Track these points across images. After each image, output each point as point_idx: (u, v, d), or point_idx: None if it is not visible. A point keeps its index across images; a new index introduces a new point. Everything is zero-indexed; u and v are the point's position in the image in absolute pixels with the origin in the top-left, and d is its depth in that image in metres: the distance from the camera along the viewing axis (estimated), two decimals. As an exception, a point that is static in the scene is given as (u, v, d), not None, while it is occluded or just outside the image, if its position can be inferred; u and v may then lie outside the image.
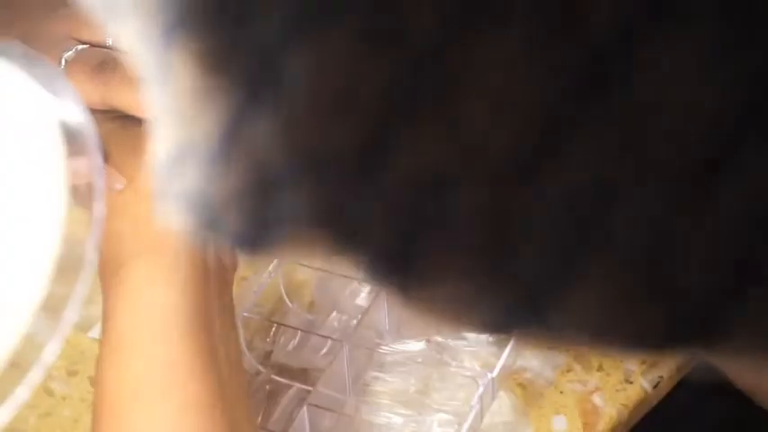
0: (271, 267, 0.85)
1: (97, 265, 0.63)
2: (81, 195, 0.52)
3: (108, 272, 0.65)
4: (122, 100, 0.66)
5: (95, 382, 0.65)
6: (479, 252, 0.27)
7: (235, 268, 0.70)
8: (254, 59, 0.26)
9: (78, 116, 0.53)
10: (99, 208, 0.51)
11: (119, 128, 0.67)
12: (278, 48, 0.26)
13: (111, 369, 0.64)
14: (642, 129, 0.25)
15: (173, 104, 0.28)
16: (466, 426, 0.76)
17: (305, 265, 0.86)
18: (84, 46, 0.69)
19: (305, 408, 0.77)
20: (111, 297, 0.65)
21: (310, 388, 0.78)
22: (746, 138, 0.25)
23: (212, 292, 0.66)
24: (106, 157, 0.65)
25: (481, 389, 0.77)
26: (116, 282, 0.64)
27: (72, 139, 0.52)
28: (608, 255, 0.26)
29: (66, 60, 0.68)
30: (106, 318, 0.65)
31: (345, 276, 0.86)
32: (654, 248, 0.26)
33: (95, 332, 0.85)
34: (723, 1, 0.24)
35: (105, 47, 0.69)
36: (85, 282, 0.50)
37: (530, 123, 0.26)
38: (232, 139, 0.27)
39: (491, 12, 0.25)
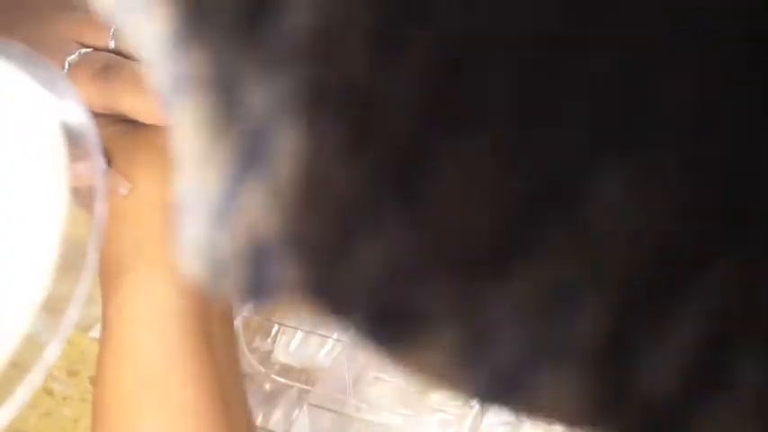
0: (271, 268, 0.85)
1: (97, 269, 0.63)
2: (82, 197, 0.52)
3: (108, 276, 0.65)
4: (125, 104, 0.66)
5: (95, 385, 0.65)
6: (456, 338, 0.28)
7: None
8: (249, 129, 0.27)
9: (80, 118, 0.53)
10: (100, 209, 0.51)
11: (121, 132, 0.67)
12: (271, 123, 0.27)
13: (110, 372, 0.64)
14: (598, 247, 0.26)
15: (183, 148, 0.28)
16: (465, 426, 0.76)
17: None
18: (88, 50, 0.69)
19: (305, 407, 0.77)
20: (111, 301, 0.65)
21: (310, 388, 0.78)
22: (714, 259, 0.26)
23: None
24: (109, 162, 0.65)
25: (481, 389, 0.77)
26: (116, 285, 0.64)
27: (73, 140, 0.52)
28: (572, 353, 0.28)
29: (69, 64, 0.68)
30: (105, 322, 0.65)
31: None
32: (614, 354, 0.27)
33: (95, 332, 0.85)
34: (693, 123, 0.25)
35: (109, 50, 0.69)
36: (86, 282, 0.50)
37: (498, 221, 0.27)
38: (230, 201, 0.28)
39: (464, 115, 0.26)
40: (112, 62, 0.67)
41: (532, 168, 0.26)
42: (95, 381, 0.65)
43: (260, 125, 0.27)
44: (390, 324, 0.28)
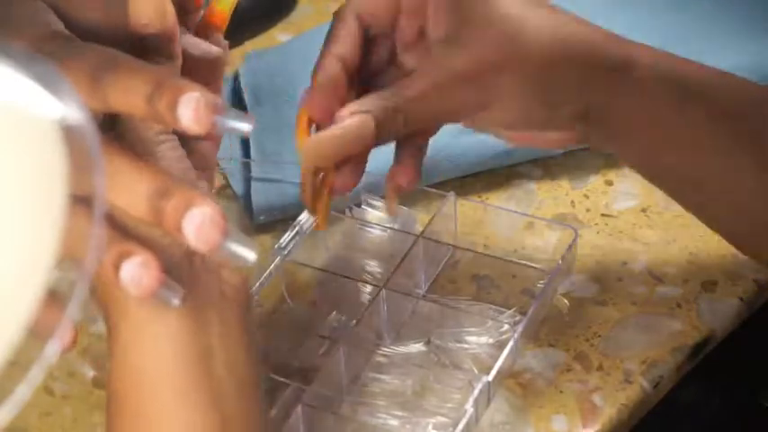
0: (271, 267, 0.85)
1: (99, 300, 0.62)
2: (81, 196, 0.52)
3: (107, 310, 0.63)
4: (116, 100, 0.65)
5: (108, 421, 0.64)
6: None
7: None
8: None
9: (80, 118, 0.53)
10: (100, 209, 0.51)
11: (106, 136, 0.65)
12: None
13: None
14: None
15: None
16: (460, 429, 0.76)
17: (305, 265, 0.87)
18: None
19: (299, 407, 0.77)
20: (116, 342, 0.62)
21: (306, 387, 0.78)
22: None
23: (212, 317, 0.64)
24: None
25: (476, 392, 0.77)
26: (118, 327, 0.63)
27: (73, 140, 0.52)
28: None
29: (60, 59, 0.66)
30: (114, 362, 0.63)
31: (346, 276, 0.86)
32: None
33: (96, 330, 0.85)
34: None
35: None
36: (86, 281, 0.50)
37: None
38: None
39: None
40: (105, 56, 0.63)
41: None
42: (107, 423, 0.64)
43: None
44: None
